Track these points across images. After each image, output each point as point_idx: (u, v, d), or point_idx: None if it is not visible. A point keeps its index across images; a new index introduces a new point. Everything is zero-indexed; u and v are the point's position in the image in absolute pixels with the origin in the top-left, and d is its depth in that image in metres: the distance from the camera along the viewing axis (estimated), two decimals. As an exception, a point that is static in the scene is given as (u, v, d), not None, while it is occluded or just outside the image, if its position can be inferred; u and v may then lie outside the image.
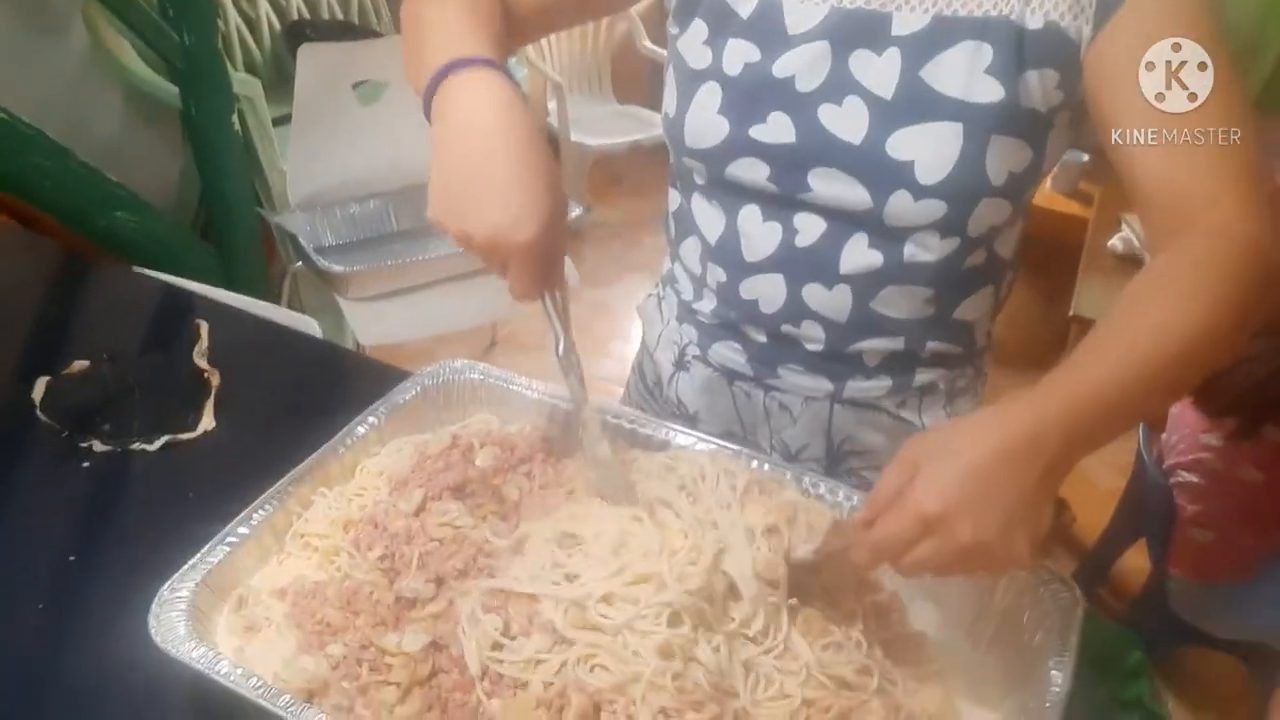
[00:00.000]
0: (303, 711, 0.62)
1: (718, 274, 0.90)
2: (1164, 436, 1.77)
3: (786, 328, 0.88)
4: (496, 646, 0.66)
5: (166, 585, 0.70)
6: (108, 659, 0.74)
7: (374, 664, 0.67)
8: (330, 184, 2.26)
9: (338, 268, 2.02)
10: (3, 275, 1.33)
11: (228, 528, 0.75)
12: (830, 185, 0.79)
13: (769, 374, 0.93)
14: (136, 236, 1.94)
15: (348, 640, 0.69)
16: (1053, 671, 0.68)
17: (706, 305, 0.94)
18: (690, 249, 0.93)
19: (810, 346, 0.89)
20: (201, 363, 1.06)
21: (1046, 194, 2.77)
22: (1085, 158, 2.77)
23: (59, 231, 1.81)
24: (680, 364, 1.01)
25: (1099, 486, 2.31)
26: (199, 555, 0.73)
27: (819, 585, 0.73)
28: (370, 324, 2.09)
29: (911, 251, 0.80)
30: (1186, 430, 1.68)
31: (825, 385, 0.91)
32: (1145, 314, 0.66)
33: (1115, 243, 2.20)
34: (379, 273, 2.09)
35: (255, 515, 0.78)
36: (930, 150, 0.74)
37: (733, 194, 0.85)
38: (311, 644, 0.70)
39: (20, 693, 0.73)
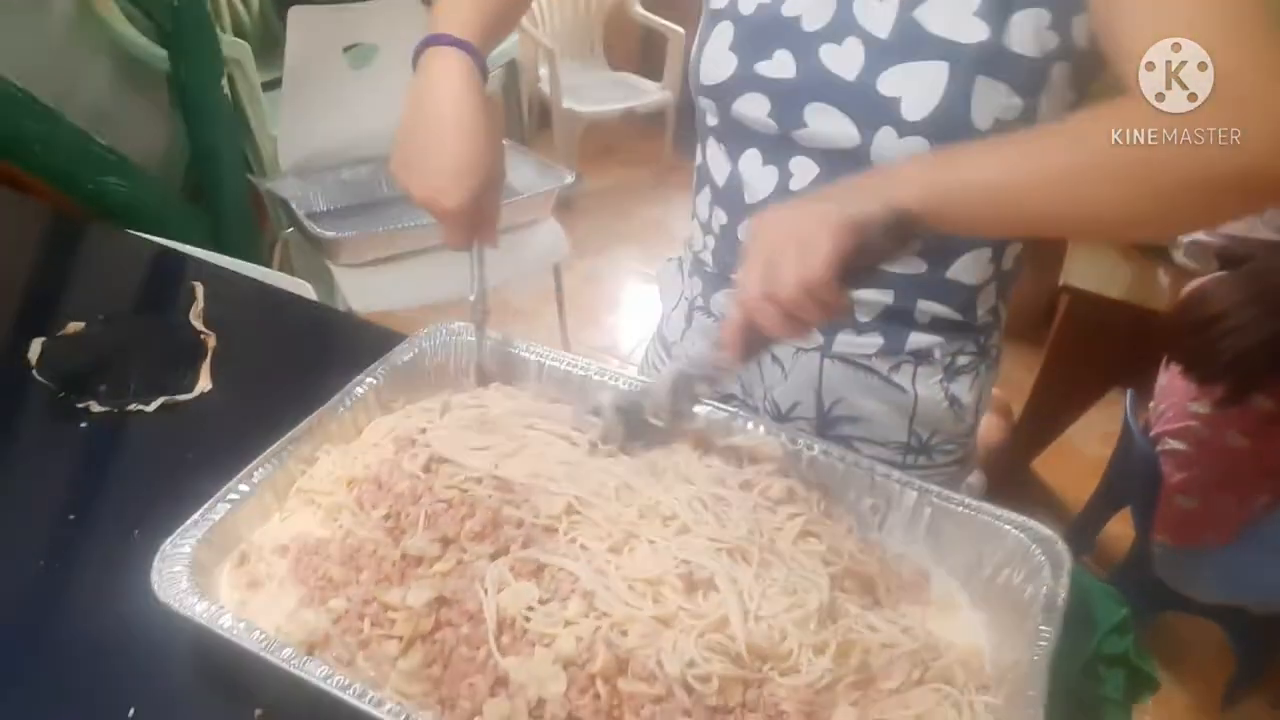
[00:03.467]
0: (304, 663, 0.63)
1: (720, 217, 0.94)
2: (1151, 405, 1.79)
3: None
4: (529, 607, 0.68)
5: (168, 541, 0.71)
6: (109, 616, 0.74)
7: (376, 618, 0.68)
8: (321, 149, 2.25)
9: (329, 233, 2.02)
10: (-7, 237, 1.32)
11: (228, 485, 0.76)
12: (824, 121, 0.81)
13: None
14: (126, 200, 1.93)
15: (350, 595, 0.70)
16: (1042, 627, 0.70)
17: (709, 253, 0.97)
18: (704, 199, 0.97)
19: None
20: (198, 324, 1.06)
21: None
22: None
23: (48, 195, 1.79)
24: (688, 318, 1.04)
25: (1085, 455, 2.34)
26: (200, 512, 0.74)
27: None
28: (361, 290, 2.09)
29: None
30: (1175, 398, 1.70)
31: (815, 336, 0.93)
32: (1066, 130, 0.67)
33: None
34: (370, 239, 2.09)
35: (256, 473, 0.78)
36: (916, 87, 0.76)
37: (738, 136, 0.89)
38: (313, 599, 0.71)
39: (22, 650, 0.73)
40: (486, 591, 0.68)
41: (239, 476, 0.77)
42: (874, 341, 0.91)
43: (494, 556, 0.72)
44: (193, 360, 1.02)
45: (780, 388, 0.97)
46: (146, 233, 1.33)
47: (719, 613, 0.68)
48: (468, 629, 0.67)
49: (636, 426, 0.83)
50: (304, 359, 1.10)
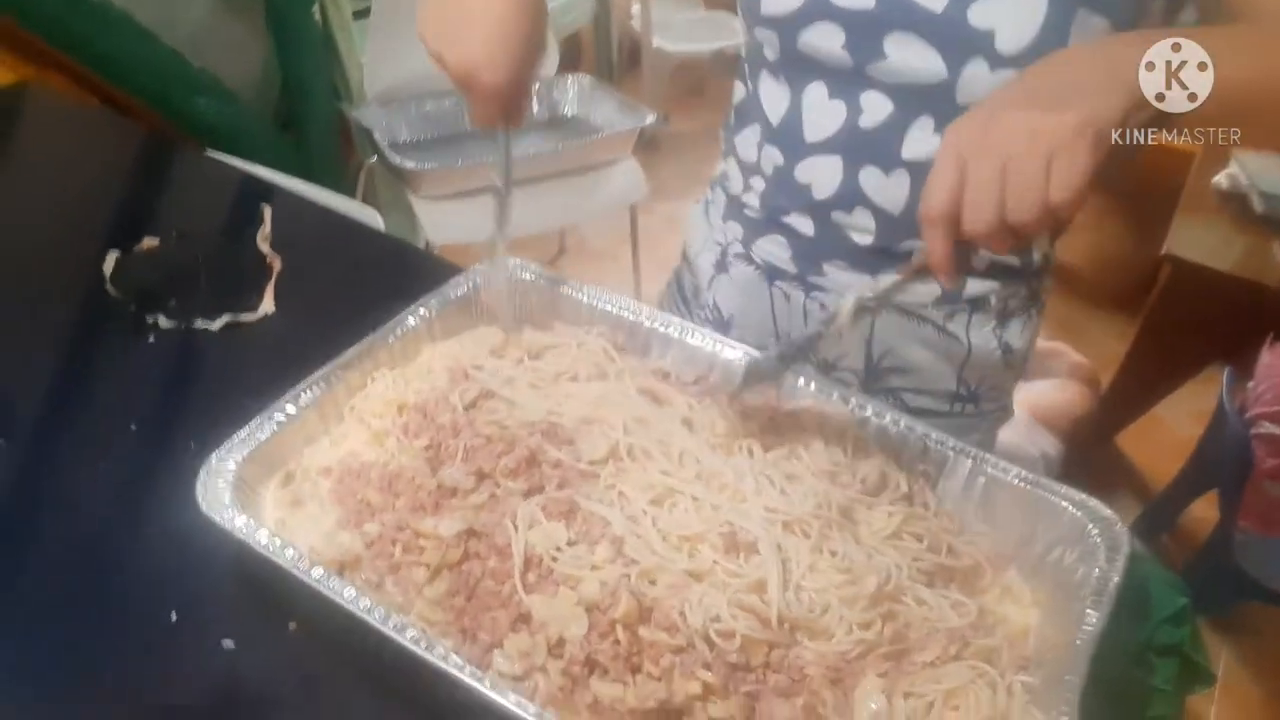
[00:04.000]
0: (333, 583, 0.65)
1: (774, 157, 0.89)
2: (1250, 385, 1.68)
3: (838, 215, 0.86)
4: (557, 548, 0.68)
5: (214, 455, 0.73)
6: (159, 522, 0.77)
7: (407, 545, 0.69)
8: (407, 79, 2.25)
9: (410, 164, 2.03)
10: (85, 153, 1.37)
11: (273, 405, 0.77)
12: (906, 53, 0.76)
13: (812, 270, 0.91)
14: (217, 122, 1.97)
15: (385, 520, 0.71)
16: (1088, 610, 0.66)
17: (755, 196, 0.93)
18: (748, 138, 0.92)
19: (859, 238, 0.87)
20: (264, 247, 1.07)
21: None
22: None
23: (142, 114, 1.84)
24: (721, 265, 1.00)
25: (1174, 433, 2.23)
26: (247, 430, 0.76)
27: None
28: (440, 223, 2.10)
29: None
30: (1275, 379, 1.60)
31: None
32: None
33: (1220, 179, 2.07)
34: (450, 172, 2.09)
35: (303, 396, 0.79)
36: (1013, 18, 0.71)
37: (801, 69, 0.83)
38: (350, 521, 0.72)
39: (74, 548, 0.77)
40: (517, 528, 0.68)
41: (285, 397, 0.78)
42: (931, 290, 0.87)
43: (527, 494, 0.72)
44: (258, 282, 1.04)
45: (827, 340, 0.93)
46: (236, 155, 1.36)
47: (756, 574, 0.66)
48: (495, 563, 0.67)
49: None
50: (367, 287, 1.11)
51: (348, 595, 0.64)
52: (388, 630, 0.62)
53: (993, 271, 0.87)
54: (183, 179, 1.32)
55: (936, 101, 0.77)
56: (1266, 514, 1.61)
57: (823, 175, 0.85)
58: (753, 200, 0.93)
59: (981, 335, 0.90)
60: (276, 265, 1.05)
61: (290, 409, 0.78)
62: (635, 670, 0.62)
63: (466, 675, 0.60)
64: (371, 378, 0.84)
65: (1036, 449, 1.97)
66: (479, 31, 0.73)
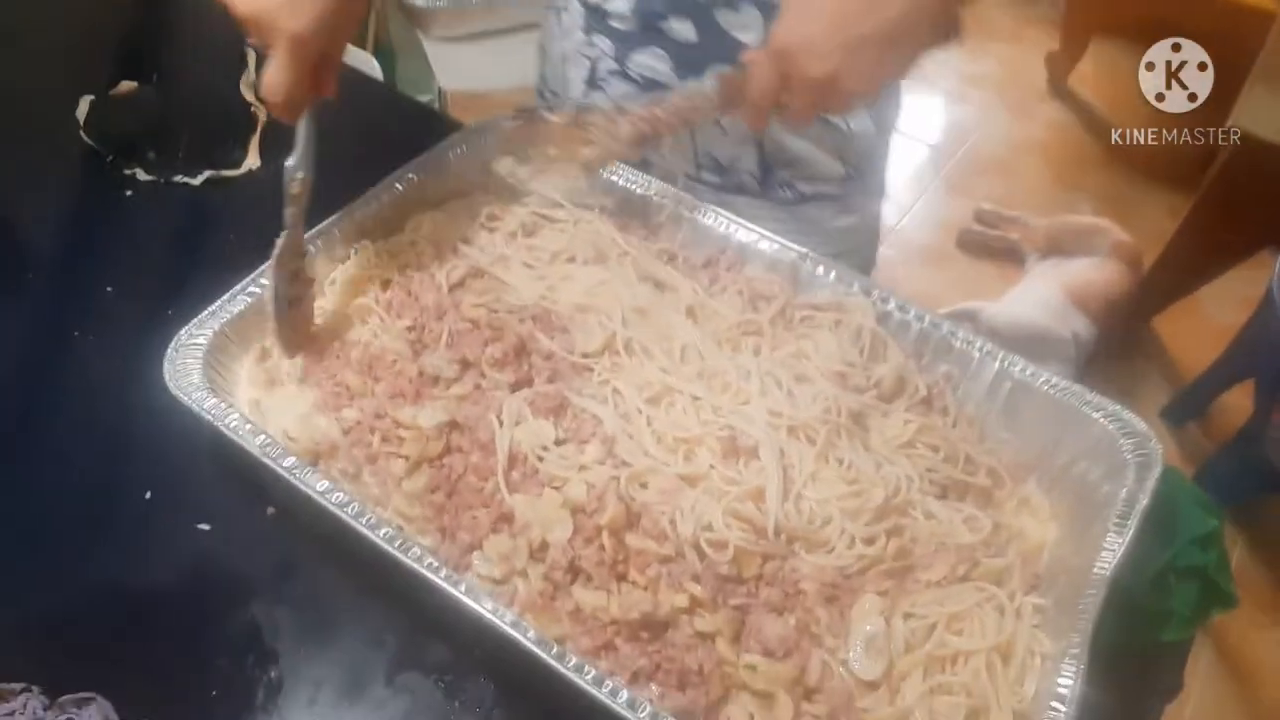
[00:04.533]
0: (306, 474, 0.61)
1: None
2: (1304, 274, 1.58)
3: (722, 14, 0.80)
4: (543, 447, 0.63)
5: (184, 330, 0.68)
6: (134, 394, 0.72)
7: (386, 434, 0.65)
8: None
9: (420, 2, 1.89)
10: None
11: (250, 276, 0.72)
12: None
13: (697, 79, 0.84)
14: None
15: (364, 406, 0.67)
16: (1110, 534, 0.62)
17: (621, 3, 0.85)
18: None
19: (744, 36, 0.82)
20: (248, 95, 0.99)
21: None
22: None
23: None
24: (593, 82, 0.92)
25: (1214, 319, 2.13)
26: (219, 302, 0.71)
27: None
28: (455, 67, 1.98)
29: None
30: (1333, 271, 1.50)
31: None
32: None
33: (1301, 44, 1.89)
34: (465, 11, 1.95)
35: (281, 266, 0.74)
36: None
37: None
38: (328, 404, 0.68)
39: (48, 419, 0.74)
40: (501, 424, 0.64)
41: (261, 268, 0.72)
42: None
43: (515, 387, 0.67)
44: (242, 134, 0.96)
45: (720, 144, 0.89)
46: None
47: (755, 482, 0.62)
48: (478, 458, 0.63)
49: None
50: (362, 143, 1.03)
51: (320, 488, 0.60)
52: (360, 527, 0.58)
53: None
54: (166, 15, 1.22)
55: None
56: (1304, 410, 1.54)
57: None
58: (620, 7, 0.85)
59: (859, 121, 0.89)
60: (261, 116, 0.97)
61: (265, 281, 0.72)
62: (620, 578, 0.59)
63: (442, 579, 0.57)
64: (354, 248, 0.78)
65: (1068, 329, 1.89)
66: None
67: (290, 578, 0.67)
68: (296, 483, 0.60)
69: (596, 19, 0.88)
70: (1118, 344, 2.04)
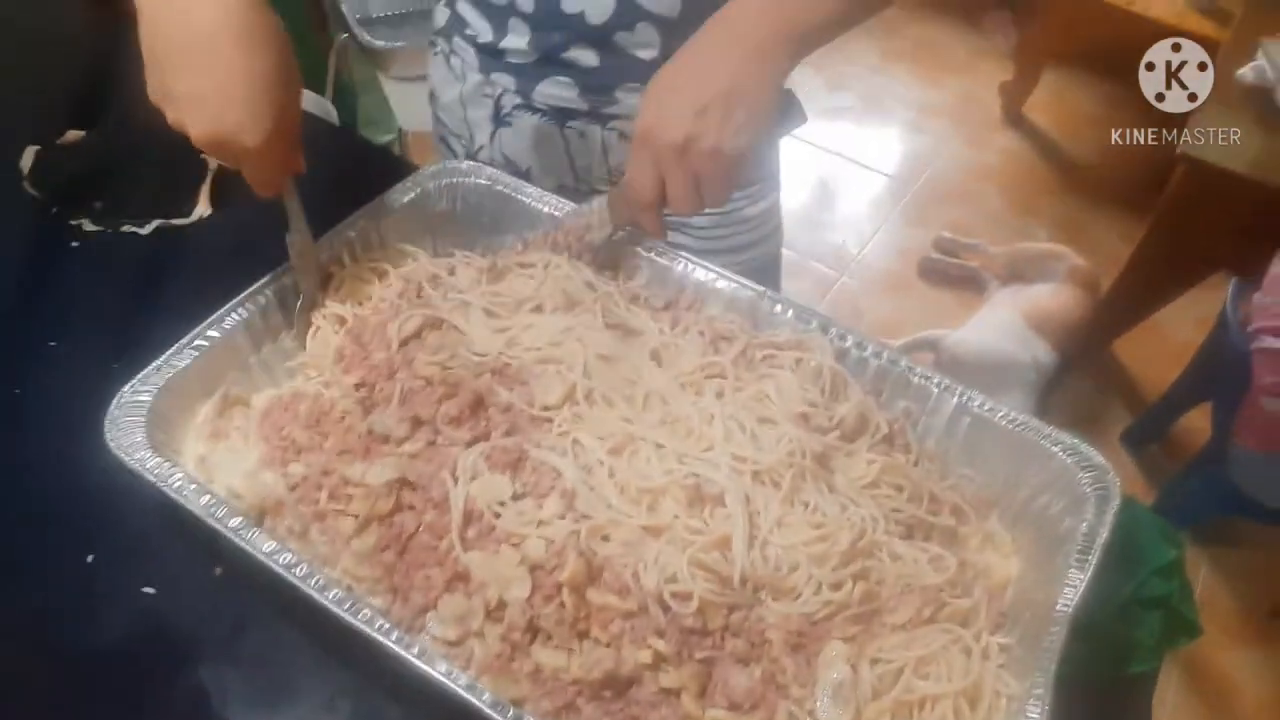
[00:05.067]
0: (252, 535, 0.59)
1: None
2: (1256, 296, 1.61)
3: (620, 36, 0.82)
4: (500, 502, 0.62)
5: (128, 386, 0.67)
6: (79, 453, 0.70)
7: (334, 491, 0.63)
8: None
9: (379, 42, 1.90)
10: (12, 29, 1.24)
11: (196, 329, 0.70)
12: None
13: (605, 102, 0.87)
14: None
15: (310, 461, 0.65)
16: (1072, 570, 0.61)
17: (518, 39, 0.86)
18: None
19: (645, 54, 0.83)
20: (198, 142, 0.98)
21: (1179, 8, 2.43)
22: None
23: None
24: (499, 119, 0.92)
25: (1173, 340, 2.17)
26: (165, 357, 0.69)
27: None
28: (413, 107, 1.97)
29: None
30: (1283, 293, 1.52)
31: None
32: None
33: (1246, 72, 1.93)
34: (423, 51, 1.95)
35: (229, 318, 0.72)
36: None
37: None
38: (275, 459, 0.66)
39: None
40: (457, 480, 0.62)
41: (207, 322, 0.71)
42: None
43: (472, 442, 0.65)
44: (193, 182, 0.95)
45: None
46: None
47: (721, 530, 0.61)
48: (431, 517, 0.62)
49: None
50: (319, 188, 1.01)
51: (267, 549, 0.58)
52: (308, 589, 0.57)
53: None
54: (115, 63, 1.20)
55: None
56: (1264, 430, 1.56)
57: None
58: (517, 44, 0.86)
59: None
60: (212, 164, 0.96)
61: (213, 333, 0.71)
62: (582, 636, 0.58)
63: (393, 641, 0.55)
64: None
65: (1029, 355, 1.91)
66: (219, 91, 0.61)
67: (240, 639, 0.64)
68: (242, 544, 0.59)
69: (493, 58, 0.89)
70: (1079, 368, 2.07)
